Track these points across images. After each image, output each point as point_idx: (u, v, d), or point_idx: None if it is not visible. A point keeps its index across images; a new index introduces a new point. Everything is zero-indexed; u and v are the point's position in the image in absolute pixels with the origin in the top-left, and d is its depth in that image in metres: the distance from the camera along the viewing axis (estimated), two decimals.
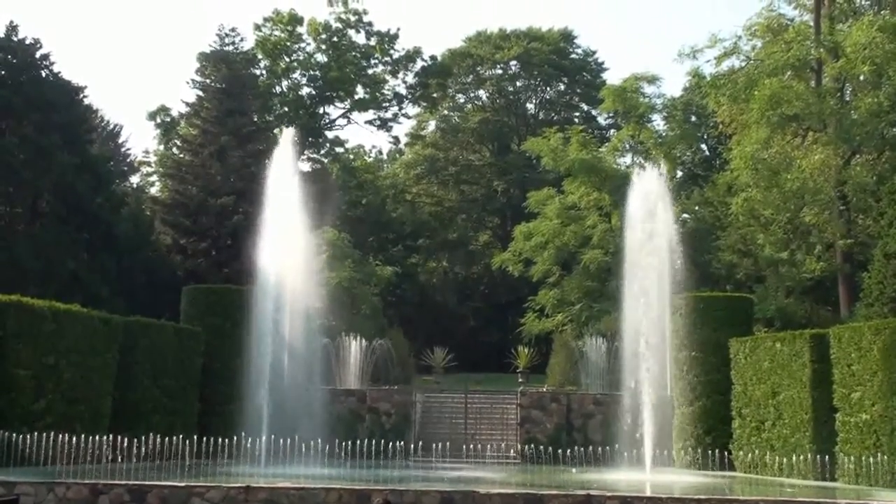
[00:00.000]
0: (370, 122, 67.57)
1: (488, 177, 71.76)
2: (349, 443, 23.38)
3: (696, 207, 47.11)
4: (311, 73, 63.83)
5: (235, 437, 21.94)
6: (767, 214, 39.38)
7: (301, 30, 63.17)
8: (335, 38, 63.37)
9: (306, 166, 62.37)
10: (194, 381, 25.88)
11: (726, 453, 24.72)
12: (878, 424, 19.73)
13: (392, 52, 65.12)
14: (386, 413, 29.48)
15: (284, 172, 26.70)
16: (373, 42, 64.48)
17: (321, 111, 65.87)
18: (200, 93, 51.94)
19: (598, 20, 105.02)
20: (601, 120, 67.73)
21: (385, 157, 79.55)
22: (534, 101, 74.78)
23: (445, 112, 73.96)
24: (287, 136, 28.72)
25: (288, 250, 25.42)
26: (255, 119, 53.59)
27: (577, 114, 71.42)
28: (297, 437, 22.32)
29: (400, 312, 57.26)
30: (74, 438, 19.42)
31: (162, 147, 60.67)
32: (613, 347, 30.66)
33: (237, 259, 37.56)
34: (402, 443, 25.86)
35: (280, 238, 25.29)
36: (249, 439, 22.15)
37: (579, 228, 45.59)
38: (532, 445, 27.14)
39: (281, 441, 22.16)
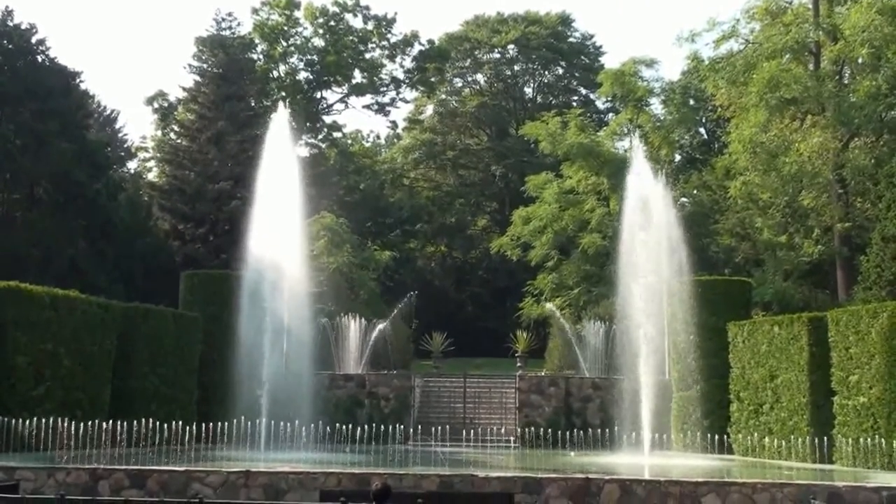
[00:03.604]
0: (368, 107, 67.50)
1: (486, 161, 71.67)
2: (348, 427, 23.45)
3: (695, 191, 47.08)
4: (309, 57, 63.64)
5: (235, 423, 21.98)
6: (766, 198, 39.38)
7: (298, 14, 62.95)
8: (332, 23, 63.14)
9: (304, 151, 62.31)
10: (193, 366, 25.91)
11: (725, 437, 24.80)
12: (876, 407, 19.79)
13: (389, 36, 64.93)
14: (385, 398, 29.58)
15: (280, 152, 26.58)
16: (370, 26, 64.25)
17: (318, 96, 65.76)
18: (198, 78, 51.83)
19: (596, 3, 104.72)
20: (599, 104, 67.60)
21: (383, 141, 79.46)
22: (532, 85, 74.61)
23: (443, 96, 73.77)
24: (281, 115, 28.43)
25: (285, 234, 25.40)
26: (253, 104, 53.46)
27: (575, 98, 71.23)
28: (297, 422, 22.38)
29: (398, 297, 57.27)
30: (74, 424, 19.46)
31: (159, 132, 60.59)
32: (612, 331, 30.71)
33: (235, 245, 37.53)
34: (401, 427, 25.93)
35: (277, 222, 25.25)
36: (249, 424, 22.20)
37: (577, 212, 45.58)
38: (531, 429, 27.22)
39: (280, 426, 22.22)
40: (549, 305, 41.92)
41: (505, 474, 16.11)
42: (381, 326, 34.41)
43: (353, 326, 34.06)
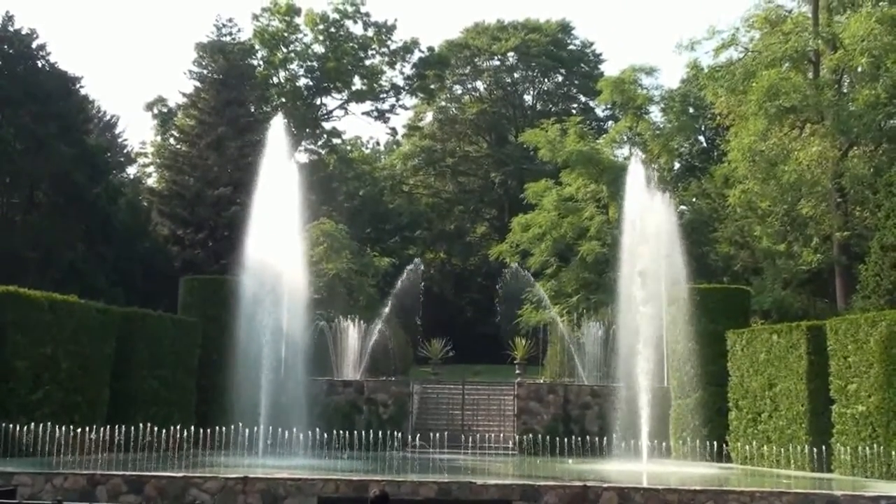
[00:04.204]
0: (367, 114, 67.57)
1: (486, 168, 71.74)
2: (347, 433, 23.41)
3: (694, 199, 47.10)
4: (309, 63, 63.72)
5: (233, 428, 21.95)
6: (765, 206, 39.38)
7: (298, 20, 63.05)
8: (332, 29, 63.24)
9: (303, 157, 62.40)
10: (192, 371, 25.90)
11: (723, 445, 24.77)
12: (874, 416, 19.78)
13: (389, 43, 65.02)
14: (383, 404, 29.53)
15: (279, 158, 26.63)
16: (370, 33, 64.35)
17: (318, 102, 65.81)
18: (198, 83, 51.88)
19: (596, 11, 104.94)
20: (599, 111, 67.77)
21: (382, 148, 79.58)
22: (531, 92, 74.75)
23: (443, 103, 73.90)
24: (280, 122, 28.48)
25: (284, 240, 25.43)
26: (253, 109, 53.50)
27: (574, 105, 71.38)
28: (295, 428, 22.36)
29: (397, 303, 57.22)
30: (72, 429, 19.43)
31: (159, 138, 60.61)
32: (610, 339, 30.69)
33: (234, 250, 37.56)
34: (399, 433, 25.89)
35: (276, 227, 25.28)
36: (247, 430, 22.16)
37: (577, 220, 45.59)
38: (529, 436, 27.19)
39: (279, 431, 22.20)
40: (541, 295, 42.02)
41: (503, 481, 16.11)
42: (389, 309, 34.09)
43: (351, 330, 34.03)
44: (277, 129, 27.79)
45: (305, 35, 63.56)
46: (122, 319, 23.36)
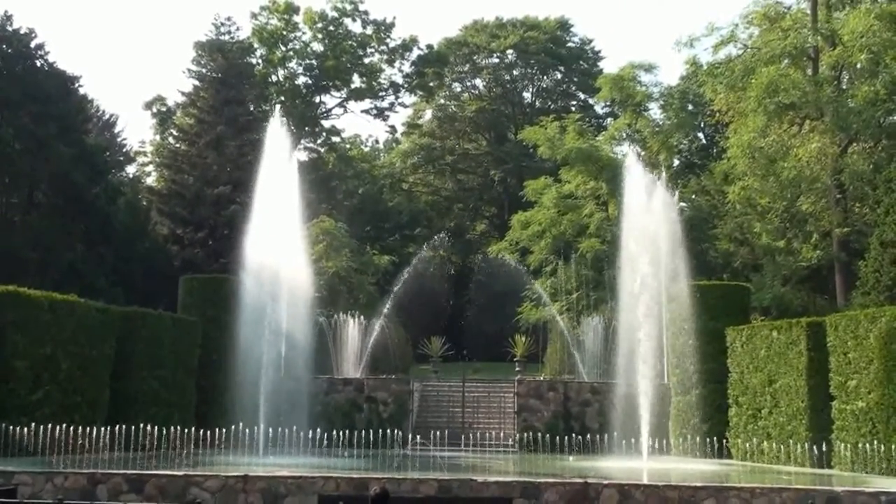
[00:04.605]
0: (366, 111, 67.59)
1: (485, 166, 71.71)
2: (347, 432, 23.40)
3: (693, 196, 47.10)
4: (308, 62, 63.71)
5: (233, 427, 21.96)
6: (764, 203, 39.40)
7: (297, 19, 63.04)
8: (331, 27, 63.23)
9: (303, 156, 62.35)
10: (192, 370, 25.89)
11: (723, 441, 24.79)
12: (874, 412, 19.79)
13: (388, 40, 65.02)
14: (383, 402, 29.53)
15: (278, 157, 26.62)
16: (369, 31, 64.34)
17: (317, 100, 65.80)
18: (197, 82, 51.90)
19: (595, 8, 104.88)
20: (598, 108, 67.72)
21: (381, 146, 79.53)
22: (530, 89, 74.73)
23: (442, 101, 73.89)
24: (279, 121, 28.45)
25: (284, 238, 25.41)
26: (252, 108, 53.48)
27: (573, 102, 71.40)
28: (295, 427, 22.37)
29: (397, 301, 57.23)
30: (72, 428, 19.44)
31: (158, 137, 60.61)
32: (610, 336, 30.69)
33: (234, 249, 37.56)
34: (399, 431, 25.90)
35: (276, 226, 25.26)
36: (247, 429, 22.17)
37: (576, 217, 45.59)
38: (529, 433, 27.19)
39: (279, 430, 22.20)
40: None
41: (503, 479, 16.09)
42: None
43: (351, 325, 34.02)
44: (276, 127, 27.77)
45: (304, 33, 63.59)
46: (121, 319, 23.35)
